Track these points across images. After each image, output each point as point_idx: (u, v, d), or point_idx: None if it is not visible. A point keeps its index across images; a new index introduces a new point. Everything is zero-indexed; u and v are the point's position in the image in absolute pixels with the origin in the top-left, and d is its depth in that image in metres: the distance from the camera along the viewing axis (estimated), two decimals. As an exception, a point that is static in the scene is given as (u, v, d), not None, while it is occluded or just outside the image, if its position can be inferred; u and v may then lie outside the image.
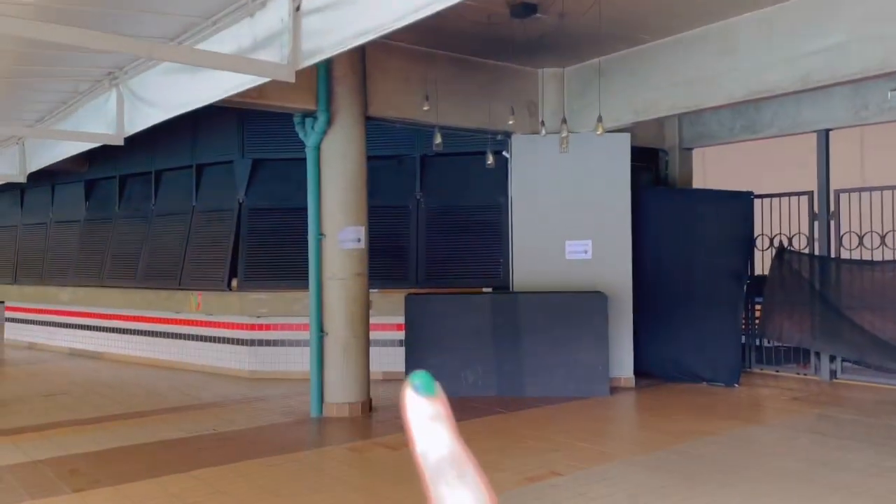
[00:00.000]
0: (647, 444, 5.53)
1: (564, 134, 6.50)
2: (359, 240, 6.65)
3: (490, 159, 7.04)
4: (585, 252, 7.99)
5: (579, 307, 7.53)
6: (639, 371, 8.15)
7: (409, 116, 7.22)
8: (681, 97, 6.94)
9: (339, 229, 6.60)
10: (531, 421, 6.36)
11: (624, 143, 7.97)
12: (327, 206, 6.64)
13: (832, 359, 7.99)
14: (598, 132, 6.25)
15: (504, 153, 8.24)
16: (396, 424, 6.36)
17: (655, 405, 7.01)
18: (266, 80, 4.16)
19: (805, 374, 8.27)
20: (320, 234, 6.62)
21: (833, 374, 7.99)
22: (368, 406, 6.79)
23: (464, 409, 6.81)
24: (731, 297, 7.89)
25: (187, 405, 7.28)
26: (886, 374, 7.58)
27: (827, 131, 8.17)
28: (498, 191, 8.43)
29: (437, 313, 7.58)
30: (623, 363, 7.96)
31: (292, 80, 3.88)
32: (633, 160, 8.09)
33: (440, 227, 8.72)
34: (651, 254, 8.32)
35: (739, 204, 8.06)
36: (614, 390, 7.56)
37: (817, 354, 8.13)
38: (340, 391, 6.63)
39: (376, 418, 6.61)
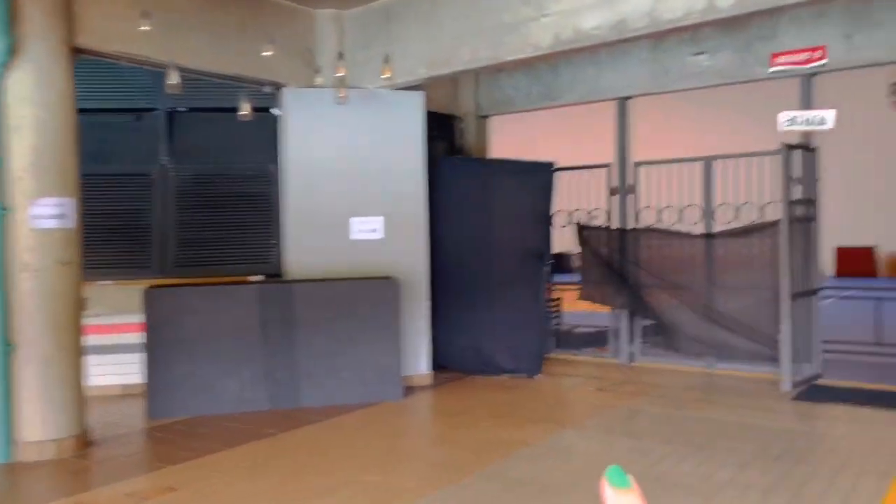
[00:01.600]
0: (453, 468, 4.46)
1: (342, 76, 5.14)
2: (63, 216, 4.80)
3: (245, 110, 5.50)
4: (375, 231, 6.77)
5: (367, 296, 6.31)
6: (437, 364, 7.16)
7: (137, 52, 5.43)
8: (482, 47, 5.91)
9: (30, 201, 4.70)
10: (308, 444, 5.03)
11: (417, 103, 6.83)
12: (13, 169, 4.71)
13: (630, 341, 7.59)
14: (385, 75, 5.01)
15: (274, 110, 6.72)
16: (129, 463, 4.69)
17: (457, 408, 6.01)
18: None
19: (603, 357, 7.81)
20: (1, 209, 4.67)
21: (632, 356, 7.59)
22: (84, 441, 5.01)
23: (223, 433, 5.30)
24: (533, 278, 7.13)
25: None
26: (682, 354, 7.31)
27: (626, 99, 7.69)
28: (269, 156, 6.89)
29: (189, 309, 5.93)
30: (419, 358, 6.90)
31: None
32: (427, 128, 7.00)
33: (194, 201, 6.98)
34: (449, 232, 7.32)
35: (541, 176, 7.30)
36: (409, 391, 6.47)
37: (616, 336, 7.70)
38: (39, 425, 4.78)
39: (97, 457, 4.87)
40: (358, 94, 6.66)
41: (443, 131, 8.64)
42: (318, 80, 5.90)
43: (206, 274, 6.81)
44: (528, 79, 8.22)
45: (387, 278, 6.44)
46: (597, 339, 8.08)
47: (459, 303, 7.25)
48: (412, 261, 6.83)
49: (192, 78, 5.95)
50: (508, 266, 7.24)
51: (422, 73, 6.41)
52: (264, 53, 5.37)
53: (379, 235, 6.76)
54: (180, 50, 5.67)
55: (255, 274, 6.82)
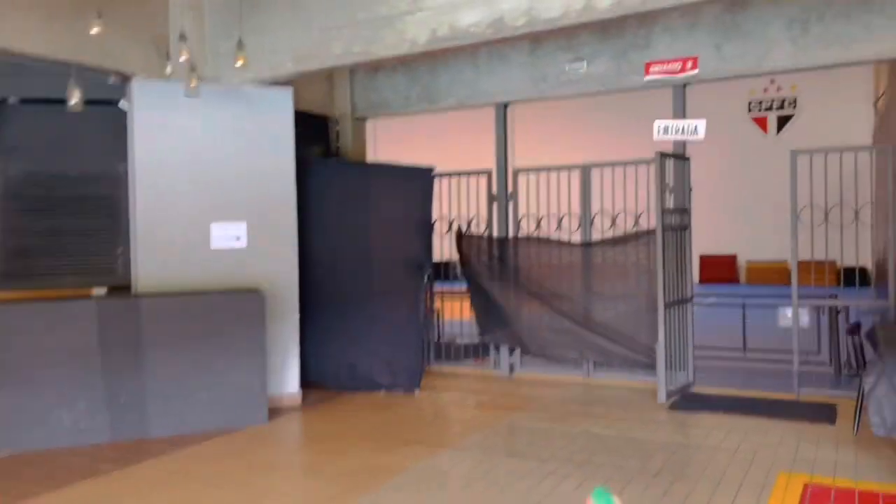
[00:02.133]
0: None
1: (193, 64, 4.58)
2: None
3: (74, 99, 4.80)
4: (238, 239, 6.19)
5: (229, 310, 5.72)
6: (308, 382, 6.66)
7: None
8: (355, 41, 5.51)
9: None
10: (150, 481, 4.40)
11: (286, 101, 6.32)
12: None
13: (511, 351, 7.40)
14: (239, 63, 4.51)
15: (122, 103, 6.00)
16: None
17: (326, 432, 5.54)
18: None
19: (484, 369, 7.58)
20: None
21: (512, 368, 7.40)
22: None
23: (52, 470, 4.57)
24: (412, 289, 6.78)
25: None
26: (561, 364, 7.20)
27: (505, 104, 7.52)
28: (116, 155, 6.15)
29: (14, 329, 5.13)
30: (287, 377, 6.36)
31: None
32: (300, 129, 6.52)
33: (27, 203, 6.11)
34: (322, 240, 6.84)
35: (420, 181, 6.96)
36: (276, 413, 5.94)
37: (496, 348, 7.49)
38: None
39: None
40: (220, 88, 6.07)
41: (318, 133, 8.17)
42: (168, 70, 5.27)
43: (39, 288, 5.96)
44: (407, 80, 7.90)
45: (252, 290, 5.88)
46: (478, 351, 7.84)
47: (333, 316, 6.78)
48: (281, 271, 6.30)
49: (20, 63, 5.19)
50: (386, 276, 6.85)
51: (289, 67, 5.93)
52: (92, 31, 4.68)
53: (243, 244, 6.18)
54: (5, 30, 4.89)
55: (99, 286, 6.05)
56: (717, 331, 8.87)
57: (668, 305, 6.22)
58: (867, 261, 10.49)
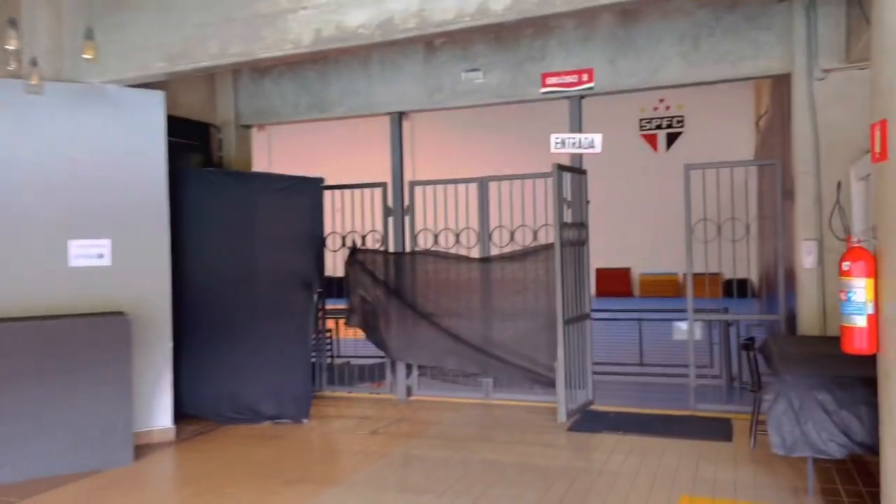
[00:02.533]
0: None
1: (31, 59, 4.01)
2: None
3: None
4: (101, 256, 5.54)
5: (90, 337, 5.08)
6: (184, 415, 6.05)
7: None
8: (233, 40, 5.05)
9: None
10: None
11: (156, 104, 5.75)
12: None
13: (408, 373, 7.05)
14: (87, 55, 3.98)
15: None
16: None
17: (201, 471, 4.98)
18: None
19: (380, 394, 7.20)
20: None
21: (409, 390, 7.05)
22: None
23: None
24: (300, 310, 6.31)
25: None
26: (459, 385, 6.92)
27: (400, 114, 7.22)
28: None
29: None
30: (159, 410, 5.74)
31: None
32: (177, 136, 5.94)
33: None
34: (199, 258, 6.25)
35: (309, 193, 6.52)
36: (146, 451, 5.32)
37: (392, 370, 7.12)
38: None
39: None
40: (80, 89, 5.43)
41: (199, 142, 7.57)
42: (12, 67, 4.62)
43: None
44: (296, 87, 7.45)
45: (115, 314, 5.26)
46: (374, 373, 7.44)
47: (212, 341, 6.20)
48: (151, 293, 5.68)
49: None
50: (272, 297, 6.35)
51: (160, 67, 5.38)
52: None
53: (107, 262, 5.54)
54: None
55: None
56: (614, 345, 8.88)
57: (567, 322, 6.06)
58: (750, 272, 10.87)
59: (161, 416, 5.76)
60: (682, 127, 21.17)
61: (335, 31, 4.63)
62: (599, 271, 20.13)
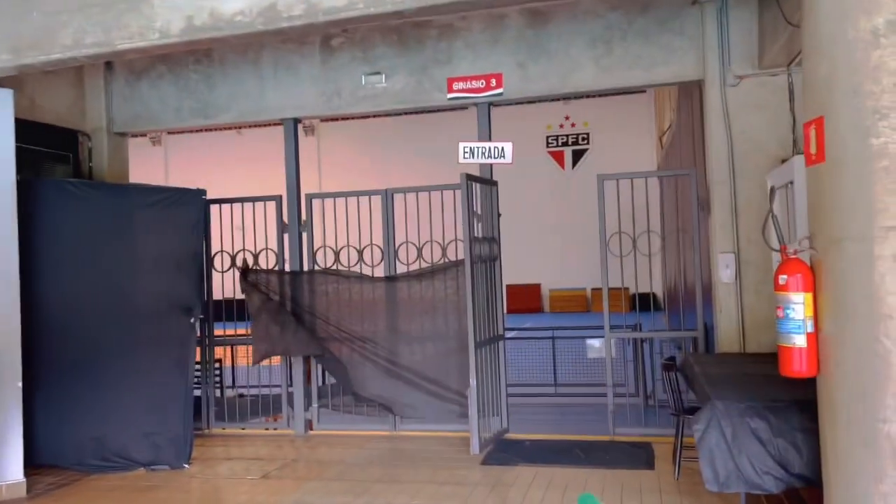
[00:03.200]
0: None
1: None
2: None
3: None
4: (-68, 282, 4.64)
5: None
6: (40, 466, 5.19)
7: None
8: (89, 29, 4.34)
9: None
10: None
11: (3, 104, 4.92)
12: None
13: (307, 406, 6.40)
14: None
15: None
16: None
17: (52, 536, 4.18)
18: None
19: (277, 429, 6.51)
20: None
21: (308, 424, 6.40)
22: None
23: None
24: (178, 339, 5.55)
25: None
26: (362, 416, 6.33)
27: (295, 121, 6.61)
28: None
29: None
30: (5, 461, 4.86)
31: None
32: (40, 144, 5.11)
33: None
34: (57, 284, 5.41)
35: (189, 208, 5.79)
36: (-17, 515, 4.45)
37: (290, 402, 6.45)
38: None
39: None
40: None
41: (65, 150, 6.70)
42: None
43: None
44: (177, 90, 6.71)
45: (-55, 352, 4.39)
46: (269, 406, 6.72)
47: (73, 379, 5.35)
48: (-6, 324, 4.82)
49: None
50: (146, 325, 5.56)
51: (4, 60, 4.61)
52: None
53: (-63, 289, 4.65)
54: None
55: None
56: (528, 365, 8.53)
57: (479, 345, 5.60)
58: (652, 286, 10.84)
59: (9, 467, 4.87)
60: (587, 144, 21.43)
61: (209, 18, 4.02)
62: (510, 287, 19.92)
